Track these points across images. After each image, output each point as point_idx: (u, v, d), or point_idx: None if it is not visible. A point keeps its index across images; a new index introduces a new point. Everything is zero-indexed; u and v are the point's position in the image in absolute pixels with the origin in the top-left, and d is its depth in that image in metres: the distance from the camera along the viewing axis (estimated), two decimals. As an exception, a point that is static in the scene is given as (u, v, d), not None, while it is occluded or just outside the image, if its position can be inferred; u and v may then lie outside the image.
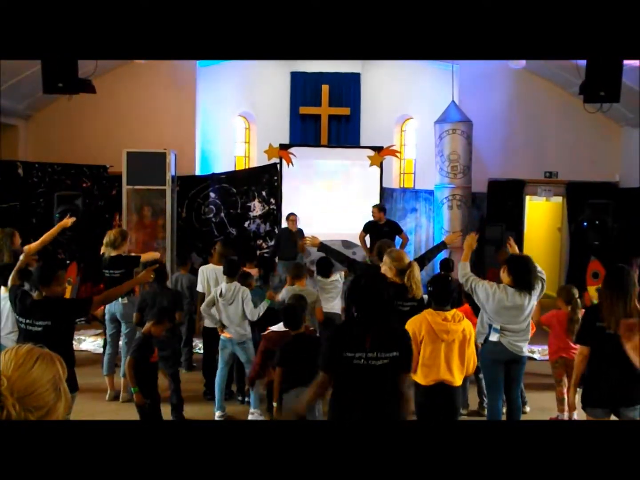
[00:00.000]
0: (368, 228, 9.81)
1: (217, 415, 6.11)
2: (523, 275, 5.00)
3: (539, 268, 5.15)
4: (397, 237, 9.51)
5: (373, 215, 9.74)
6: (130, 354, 5.32)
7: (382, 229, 9.43)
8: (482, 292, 5.06)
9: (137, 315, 6.41)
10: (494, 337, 5.11)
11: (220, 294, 6.11)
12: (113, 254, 6.57)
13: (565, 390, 6.12)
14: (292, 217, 10.04)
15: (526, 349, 5.24)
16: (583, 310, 6.08)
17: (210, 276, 6.86)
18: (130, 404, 5.66)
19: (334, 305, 7.01)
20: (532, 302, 5.07)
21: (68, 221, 6.57)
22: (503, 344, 5.08)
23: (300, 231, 9.88)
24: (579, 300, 6.12)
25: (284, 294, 6.34)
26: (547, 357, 8.35)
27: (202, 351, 7.58)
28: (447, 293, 4.68)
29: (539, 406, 6.53)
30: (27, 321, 4.56)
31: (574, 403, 4.68)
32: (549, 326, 6.36)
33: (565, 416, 6.06)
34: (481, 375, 6.00)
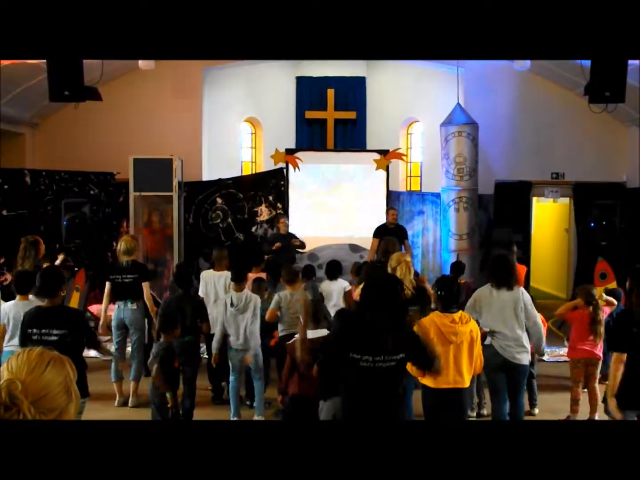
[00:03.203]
0: (379, 232, 9.67)
1: None
2: (497, 271, 5.18)
3: (526, 296, 5.24)
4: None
5: (390, 217, 9.74)
6: (158, 362, 5.24)
7: (393, 232, 9.38)
8: (470, 302, 5.25)
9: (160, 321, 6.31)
10: (486, 341, 5.17)
11: (231, 304, 5.93)
12: (128, 259, 6.64)
13: (580, 391, 6.09)
14: (282, 219, 9.75)
15: (526, 359, 5.24)
16: (606, 310, 6.07)
17: (209, 282, 6.85)
18: (139, 409, 5.68)
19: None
20: (517, 302, 5.12)
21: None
22: (495, 347, 5.13)
23: (292, 235, 9.67)
24: (599, 300, 6.09)
25: (277, 300, 6.16)
26: (556, 359, 8.36)
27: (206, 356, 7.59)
28: (453, 295, 4.67)
29: (549, 408, 6.49)
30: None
31: (616, 409, 4.27)
32: (571, 322, 6.35)
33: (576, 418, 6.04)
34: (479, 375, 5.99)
